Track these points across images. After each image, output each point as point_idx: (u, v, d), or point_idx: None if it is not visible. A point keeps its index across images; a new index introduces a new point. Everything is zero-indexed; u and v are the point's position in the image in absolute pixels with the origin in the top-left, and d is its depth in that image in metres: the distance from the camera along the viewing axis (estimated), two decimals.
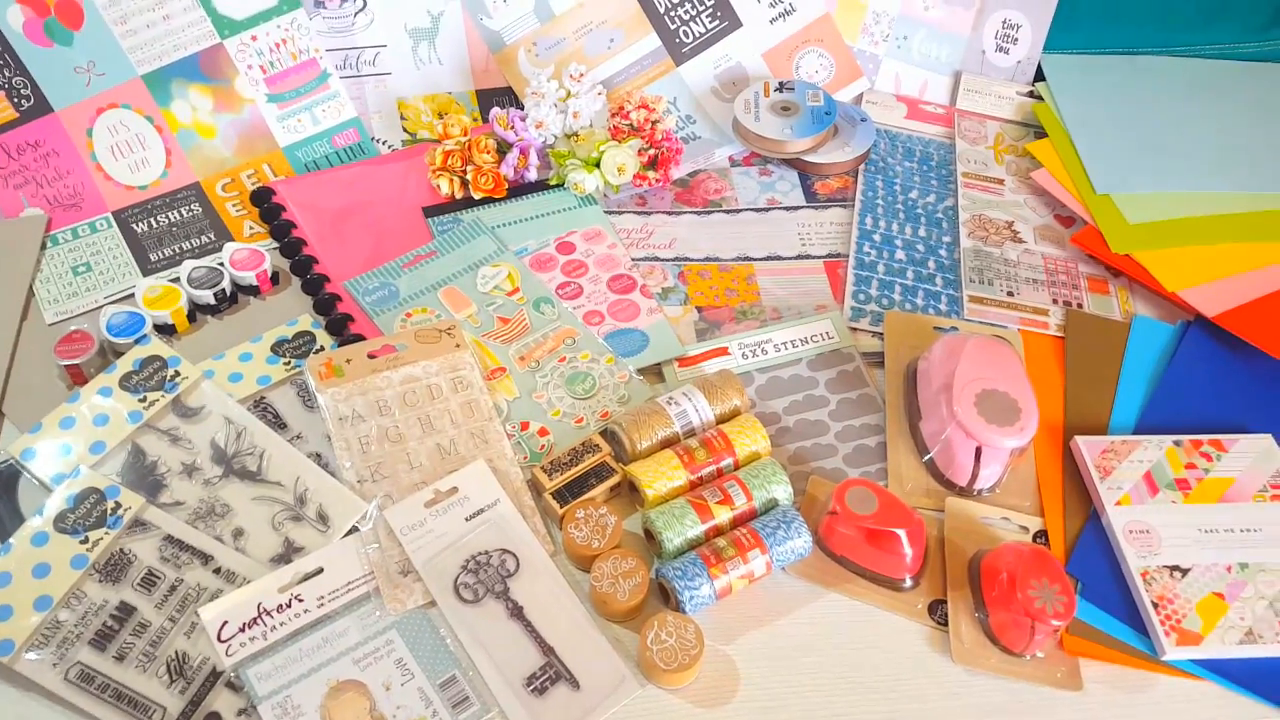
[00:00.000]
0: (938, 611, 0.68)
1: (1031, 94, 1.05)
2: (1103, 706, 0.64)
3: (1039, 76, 1.05)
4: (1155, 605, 0.66)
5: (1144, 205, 0.91)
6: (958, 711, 0.63)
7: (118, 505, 0.68)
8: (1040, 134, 1.01)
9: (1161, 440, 0.75)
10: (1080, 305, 0.87)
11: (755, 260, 0.89)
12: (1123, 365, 0.82)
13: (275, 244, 0.89)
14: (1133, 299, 0.88)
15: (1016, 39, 1.04)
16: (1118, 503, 0.71)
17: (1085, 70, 1.04)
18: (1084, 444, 0.75)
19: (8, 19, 0.88)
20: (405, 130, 0.98)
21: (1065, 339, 0.84)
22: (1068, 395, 0.80)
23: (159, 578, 0.66)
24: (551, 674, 0.63)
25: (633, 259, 0.89)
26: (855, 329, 0.84)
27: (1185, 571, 0.68)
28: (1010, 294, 0.87)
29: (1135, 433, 0.77)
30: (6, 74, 0.88)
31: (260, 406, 0.76)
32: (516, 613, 0.65)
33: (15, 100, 0.89)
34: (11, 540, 0.66)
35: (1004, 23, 1.04)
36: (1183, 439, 0.75)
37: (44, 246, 0.88)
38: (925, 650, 0.66)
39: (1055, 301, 0.87)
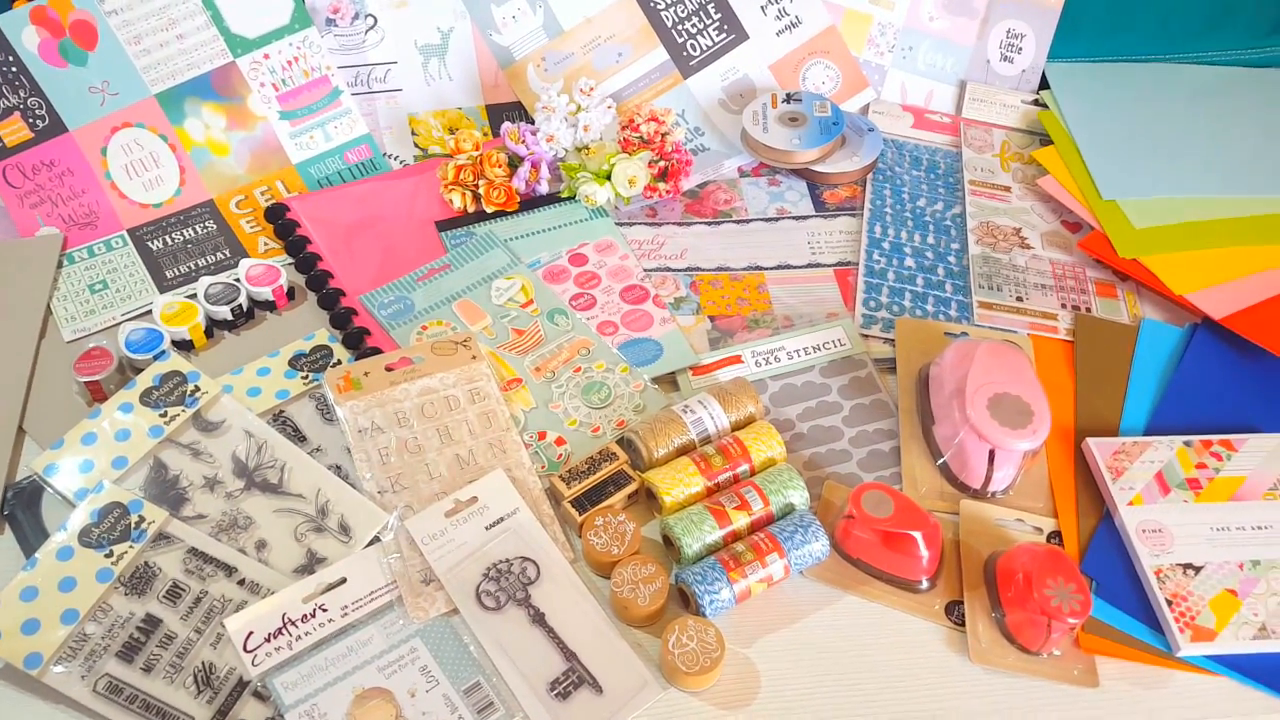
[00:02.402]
0: (954, 612, 0.68)
1: (1036, 102, 1.06)
2: (1119, 702, 0.64)
3: (1043, 85, 1.06)
4: (1169, 603, 0.67)
5: (1150, 210, 0.92)
6: (976, 710, 0.64)
7: (141, 519, 0.69)
8: (1046, 141, 1.02)
9: (1172, 441, 0.76)
10: (1089, 309, 0.88)
11: (766, 269, 0.90)
12: (1132, 368, 0.83)
13: (290, 259, 0.89)
14: (1140, 302, 0.89)
15: (1021, 48, 1.06)
16: (1130, 503, 0.72)
17: (1089, 78, 1.06)
18: (1096, 445, 0.75)
19: (23, 40, 0.89)
20: (417, 145, 0.99)
21: (1075, 343, 0.85)
22: (1078, 398, 0.81)
23: (184, 590, 0.67)
24: (574, 679, 0.63)
25: (645, 270, 0.89)
26: (867, 336, 0.85)
27: (1198, 569, 0.69)
28: (1019, 299, 0.88)
29: (1146, 434, 0.78)
30: (22, 95, 0.89)
31: (280, 420, 0.77)
32: (538, 619, 0.66)
33: (30, 121, 0.90)
34: (37, 555, 0.67)
35: (1008, 32, 1.05)
36: (1193, 439, 0.76)
37: (60, 265, 0.88)
38: (943, 650, 0.67)
39: (1064, 306, 0.88)
